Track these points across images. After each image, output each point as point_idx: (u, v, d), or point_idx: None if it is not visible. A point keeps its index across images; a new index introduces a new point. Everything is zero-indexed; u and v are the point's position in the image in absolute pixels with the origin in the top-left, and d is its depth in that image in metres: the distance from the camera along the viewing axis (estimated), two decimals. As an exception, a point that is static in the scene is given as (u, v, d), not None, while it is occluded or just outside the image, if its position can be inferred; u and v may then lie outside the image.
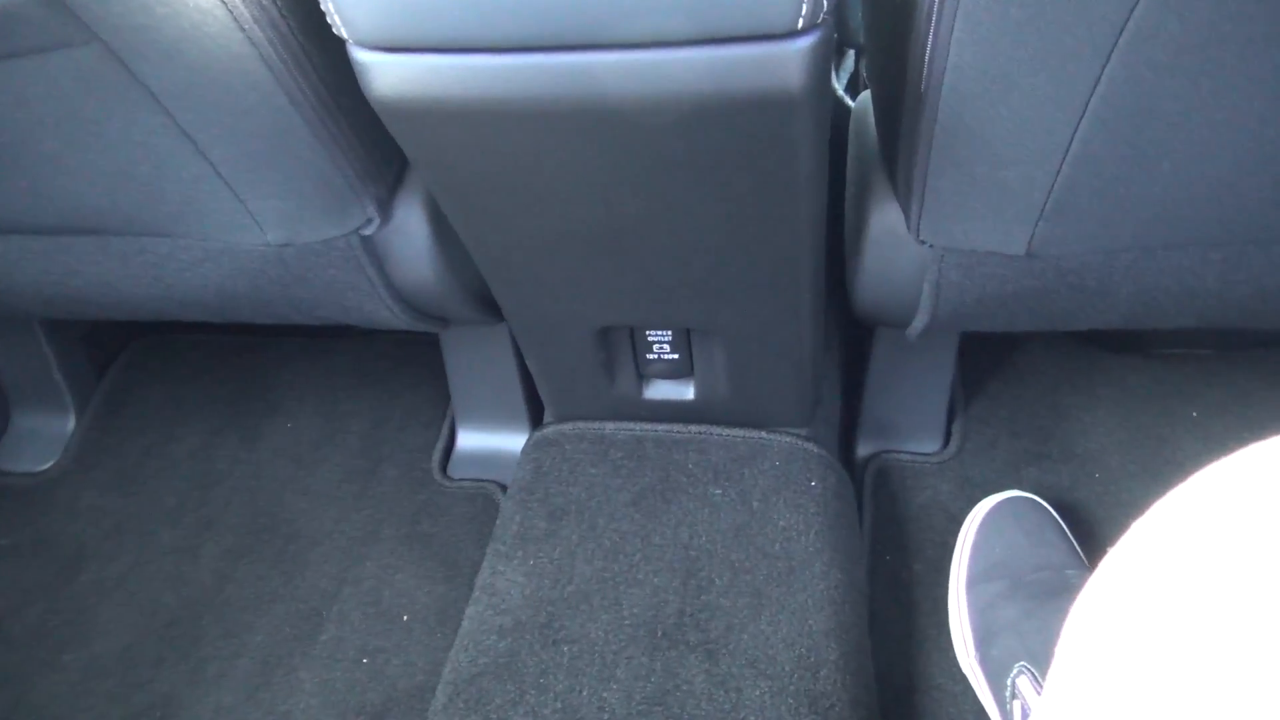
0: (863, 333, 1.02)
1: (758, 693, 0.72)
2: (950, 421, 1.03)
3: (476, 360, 1.03)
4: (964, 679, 0.84)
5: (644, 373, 0.88)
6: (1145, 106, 0.55)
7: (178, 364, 1.23)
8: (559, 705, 0.72)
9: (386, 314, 0.83)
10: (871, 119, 0.77)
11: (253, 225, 0.72)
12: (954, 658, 0.85)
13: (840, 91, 1.03)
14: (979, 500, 0.91)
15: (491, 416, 1.06)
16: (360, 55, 0.54)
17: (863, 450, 1.03)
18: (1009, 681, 0.76)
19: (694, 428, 0.91)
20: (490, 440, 1.07)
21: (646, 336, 0.84)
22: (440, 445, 1.09)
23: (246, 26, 0.56)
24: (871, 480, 1.00)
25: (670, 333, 0.83)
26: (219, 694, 0.89)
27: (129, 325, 1.25)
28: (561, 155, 0.58)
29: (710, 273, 0.70)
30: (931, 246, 0.70)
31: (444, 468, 1.08)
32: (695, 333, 0.83)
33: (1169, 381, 1.05)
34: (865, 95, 0.82)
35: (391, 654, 0.90)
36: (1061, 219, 0.64)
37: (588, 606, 0.79)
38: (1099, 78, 0.53)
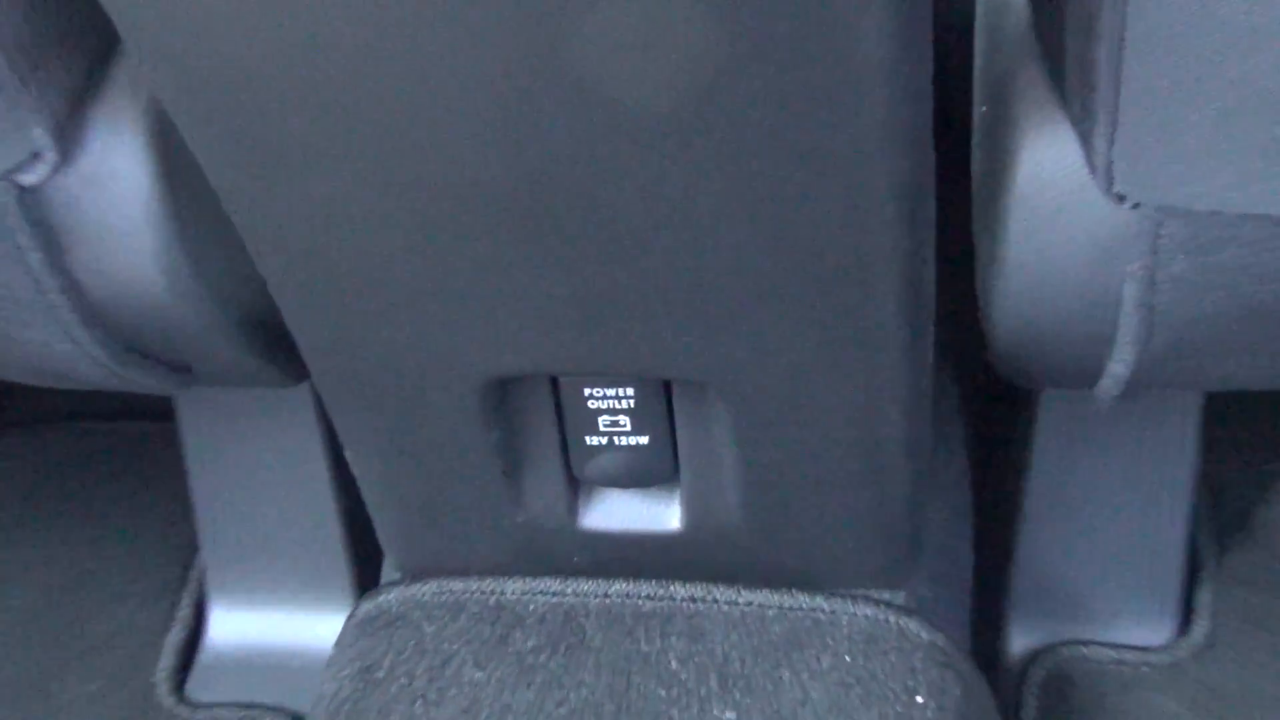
0: (1012, 408, 0.83)
1: None
2: (1189, 586, 0.84)
3: (249, 457, 0.82)
4: None
5: (582, 474, 0.64)
6: None
7: None
8: None
9: (67, 348, 0.64)
10: None
11: None
12: None
13: None
14: None
15: (275, 572, 0.85)
16: None
17: (1019, 639, 0.84)
18: None
19: (681, 588, 0.69)
20: (272, 621, 0.85)
21: (585, 399, 0.62)
22: (176, 632, 0.86)
23: None
24: (1036, 696, 0.81)
25: (631, 391, 0.62)
26: None
27: None
28: (424, 12, 0.43)
29: (703, 268, 0.54)
30: (1137, 206, 0.54)
31: (180, 680, 0.84)
32: (679, 393, 0.62)
33: None
34: None
35: None
36: None
37: None
38: None
